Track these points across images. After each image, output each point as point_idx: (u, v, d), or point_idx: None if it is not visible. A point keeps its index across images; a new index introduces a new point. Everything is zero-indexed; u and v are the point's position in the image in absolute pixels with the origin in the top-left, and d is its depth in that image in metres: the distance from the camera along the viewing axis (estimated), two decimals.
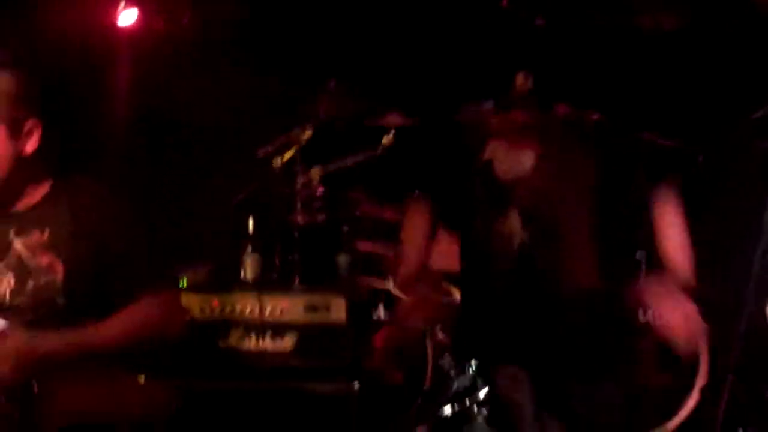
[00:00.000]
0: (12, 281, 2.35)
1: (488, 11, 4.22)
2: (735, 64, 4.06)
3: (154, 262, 2.44)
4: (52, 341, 2.27)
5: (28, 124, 2.35)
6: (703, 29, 4.39)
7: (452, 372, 4.24)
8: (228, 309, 3.85)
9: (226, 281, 4.02)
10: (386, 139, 4.41)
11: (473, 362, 4.35)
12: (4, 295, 2.35)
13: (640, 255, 3.58)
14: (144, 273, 2.40)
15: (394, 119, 4.49)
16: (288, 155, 4.23)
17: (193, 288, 3.92)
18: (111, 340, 2.33)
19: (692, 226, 4.36)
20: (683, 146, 4.03)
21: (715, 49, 4.34)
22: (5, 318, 2.29)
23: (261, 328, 3.82)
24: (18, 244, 2.36)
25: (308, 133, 4.22)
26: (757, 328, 2.20)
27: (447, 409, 4.18)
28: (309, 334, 3.80)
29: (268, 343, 3.82)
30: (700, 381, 3.88)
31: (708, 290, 3.94)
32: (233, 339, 3.83)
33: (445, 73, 3.87)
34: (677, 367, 3.94)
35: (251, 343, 3.83)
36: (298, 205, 4.19)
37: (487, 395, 4.20)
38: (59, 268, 2.34)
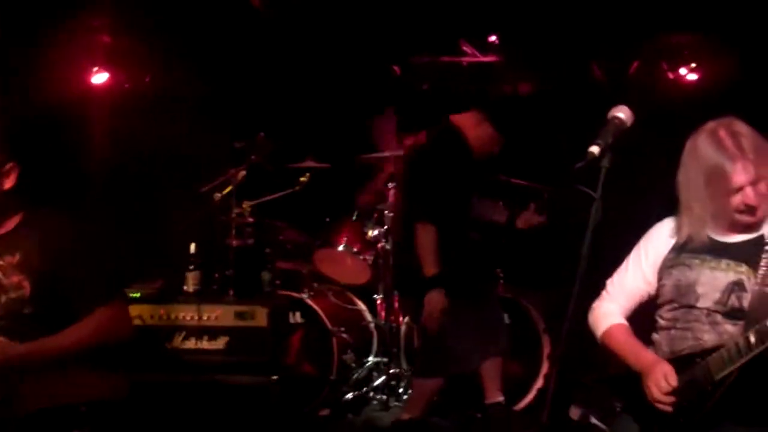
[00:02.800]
0: None
1: (385, 79, 4.92)
2: (571, 121, 4.69)
3: (107, 279, 2.59)
4: (21, 349, 2.45)
5: (8, 166, 2.50)
6: (549, 95, 5.02)
7: (353, 365, 4.76)
8: (173, 316, 4.18)
9: (172, 294, 4.34)
10: (303, 179, 4.88)
11: (370, 358, 4.87)
12: None
13: None
14: (97, 289, 2.53)
15: (309, 163, 4.99)
16: (226, 191, 4.61)
17: (145, 299, 4.25)
18: (69, 347, 2.50)
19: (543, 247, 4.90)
20: (532, 186, 4.66)
21: (557, 110, 4.98)
22: None
23: (199, 331, 4.14)
24: None
25: (242, 174, 4.62)
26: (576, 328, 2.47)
27: (349, 395, 4.72)
28: (238, 337, 4.11)
29: (204, 344, 4.14)
30: (544, 368, 4.44)
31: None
32: (177, 341, 4.16)
33: (349, 127, 4.40)
34: (527, 359, 4.49)
35: (191, 343, 4.16)
36: (233, 231, 4.57)
37: (382, 383, 4.61)
38: (26, 285, 2.49)
